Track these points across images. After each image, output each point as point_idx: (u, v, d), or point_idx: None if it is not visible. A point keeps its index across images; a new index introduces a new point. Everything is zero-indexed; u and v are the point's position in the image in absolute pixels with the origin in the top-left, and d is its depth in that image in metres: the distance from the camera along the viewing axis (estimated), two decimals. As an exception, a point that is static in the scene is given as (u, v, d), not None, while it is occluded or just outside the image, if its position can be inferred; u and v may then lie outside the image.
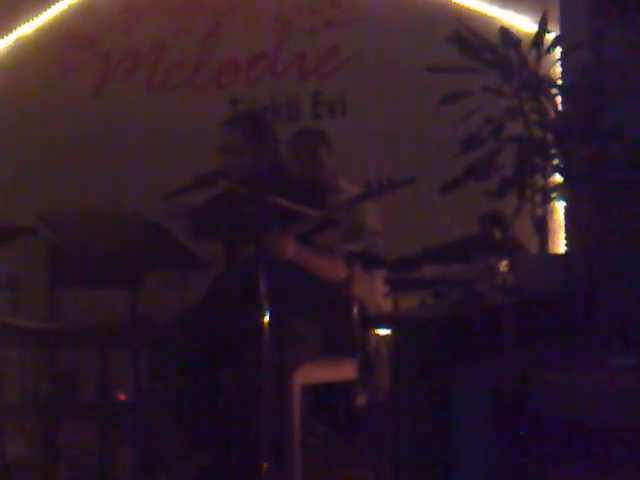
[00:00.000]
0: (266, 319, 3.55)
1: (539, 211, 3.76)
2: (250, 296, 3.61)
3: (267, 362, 3.53)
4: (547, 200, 3.81)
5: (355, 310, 4.20)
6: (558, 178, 3.85)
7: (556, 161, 3.76)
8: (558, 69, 4.39)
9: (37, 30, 6.00)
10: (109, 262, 4.16)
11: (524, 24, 5.06)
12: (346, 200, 4.27)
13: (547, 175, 3.78)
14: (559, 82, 4.05)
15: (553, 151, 3.76)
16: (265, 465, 3.54)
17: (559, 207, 4.73)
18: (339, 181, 5.00)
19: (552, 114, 3.78)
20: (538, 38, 3.85)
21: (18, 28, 5.99)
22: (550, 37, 3.99)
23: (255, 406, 3.59)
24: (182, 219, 4.30)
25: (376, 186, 3.81)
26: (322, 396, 4.33)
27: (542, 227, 3.77)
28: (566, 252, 4.67)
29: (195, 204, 4.32)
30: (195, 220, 4.28)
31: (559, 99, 3.86)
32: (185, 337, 3.97)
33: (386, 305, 4.46)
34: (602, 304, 3.43)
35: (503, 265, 3.74)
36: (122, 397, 5.01)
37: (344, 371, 4.11)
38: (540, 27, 3.90)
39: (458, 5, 5.29)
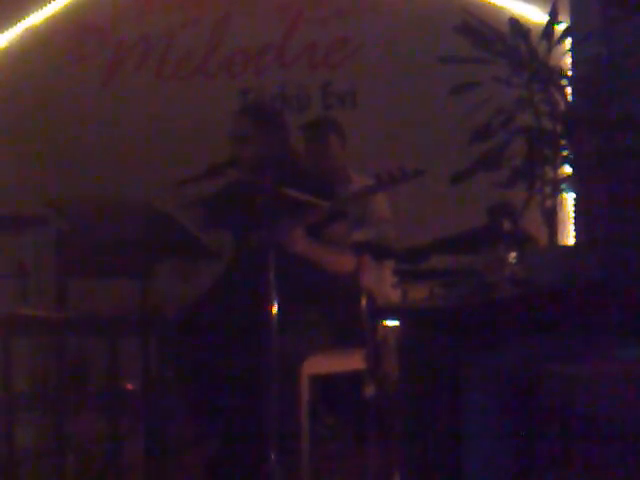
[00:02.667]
0: (274, 309, 3.56)
1: (548, 202, 3.75)
2: (259, 286, 3.61)
3: (275, 352, 3.53)
4: (557, 191, 3.80)
5: (363, 301, 4.21)
6: (568, 169, 3.84)
7: (566, 152, 3.74)
8: (568, 60, 4.38)
9: (47, 19, 5.99)
10: (118, 251, 4.16)
11: (534, 14, 5.04)
12: (356, 191, 4.27)
13: (557, 166, 3.76)
14: (569, 73, 4.04)
15: (563, 142, 3.74)
16: (272, 455, 3.55)
17: (568, 198, 4.72)
18: (349, 171, 4.99)
19: (562, 105, 3.77)
20: (548, 29, 3.83)
21: (28, 17, 5.98)
22: (560, 28, 3.97)
23: (263, 396, 3.60)
24: (192, 209, 4.31)
25: (386, 177, 3.81)
26: (330, 386, 4.33)
27: (551, 218, 3.76)
28: (575, 244, 4.66)
29: (205, 194, 4.32)
30: (205, 210, 4.28)
31: (569, 90, 3.85)
32: (193, 327, 3.98)
33: (395, 296, 4.46)
34: (611, 296, 3.42)
35: (512, 256, 3.73)
36: (130, 387, 5.02)
37: (352, 361, 4.11)
38: (550, 17, 3.89)
39: (468, -5, 5.27)
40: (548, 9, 3.95)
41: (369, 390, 4.29)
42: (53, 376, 4.98)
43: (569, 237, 4.83)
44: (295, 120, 4.86)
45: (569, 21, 4.47)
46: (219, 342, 3.94)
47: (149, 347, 3.98)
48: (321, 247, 3.99)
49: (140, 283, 3.91)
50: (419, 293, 3.97)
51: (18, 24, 5.99)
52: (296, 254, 3.87)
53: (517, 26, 3.80)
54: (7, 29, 5.99)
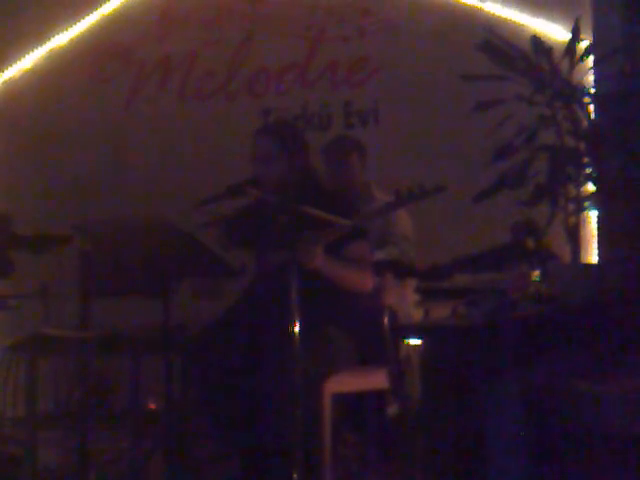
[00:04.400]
0: (297, 327, 3.55)
1: (572, 220, 3.74)
2: (281, 305, 3.61)
3: (298, 370, 3.53)
4: (580, 209, 3.79)
5: (386, 319, 4.20)
6: (591, 187, 3.83)
7: (589, 170, 3.74)
8: (591, 77, 4.37)
9: (71, 41, 6.04)
10: (141, 270, 4.17)
11: (556, 32, 5.03)
12: (377, 208, 4.27)
13: (580, 184, 3.76)
14: (592, 90, 4.03)
15: (586, 160, 3.74)
16: (295, 473, 3.54)
17: (592, 216, 4.71)
18: (372, 190, 4.99)
19: (585, 123, 3.76)
20: (570, 46, 3.83)
21: (52, 39, 6.03)
22: (582, 45, 3.97)
23: (286, 414, 3.59)
24: (214, 228, 4.32)
25: (407, 194, 3.81)
26: (353, 405, 4.32)
27: (575, 236, 3.75)
28: (599, 261, 4.64)
29: (226, 213, 4.33)
30: (226, 229, 4.29)
31: (592, 107, 3.84)
32: (217, 345, 3.98)
33: (417, 314, 4.45)
34: (635, 313, 3.40)
35: (536, 274, 3.72)
36: (152, 406, 5.03)
37: (375, 380, 4.10)
38: (573, 35, 3.89)
39: (489, 13, 5.27)
40: (570, 27, 3.96)
41: (392, 409, 4.28)
42: (76, 395, 4.99)
43: (593, 254, 4.81)
44: (317, 139, 4.88)
45: (591, 39, 4.47)
46: (241, 360, 3.94)
47: (172, 366, 3.97)
48: (340, 265, 3.98)
49: (163, 302, 3.91)
50: (442, 311, 3.96)
51: (43, 45, 6.03)
52: (315, 271, 3.86)
53: (539, 44, 3.80)
54: (32, 50, 6.04)
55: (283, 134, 4.20)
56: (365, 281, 4.09)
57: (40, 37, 6.04)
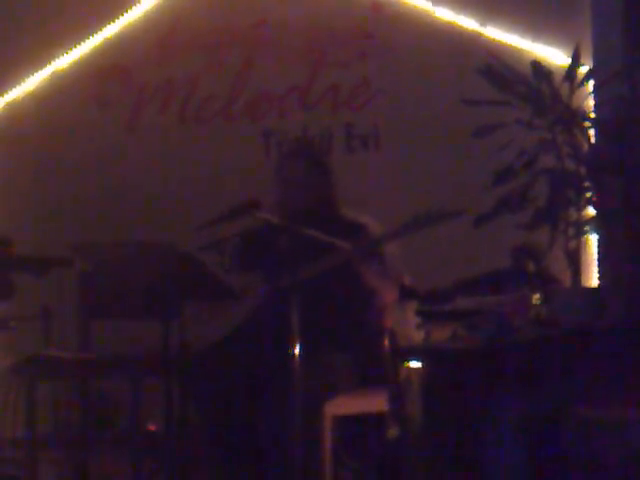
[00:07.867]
0: (297, 350, 3.56)
1: (572, 244, 3.75)
2: (282, 327, 3.62)
3: (298, 393, 3.53)
4: (580, 233, 3.80)
5: (386, 342, 4.20)
6: (591, 211, 3.85)
7: (589, 194, 3.75)
8: (591, 102, 4.39)
9: (72, 63, 6.05)
10: (142, 293, 4.18)
11: (556, 57, 5.06)
12: (390, 232, 4.23)
13: (580, 208, 3.77)
14: (592, 115, 4.05)
15: (586, 184, 3.75)
16: (295, 497, 3.54)
17: (592, 240, 4.72)
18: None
19: (585, 147, 3.78)
20: (571, 71, 3.86)
21: (54, 61, 6.05)
22: (583, 70, 3.99)
23: (286, 437, 3.59)
24: (216, 250, 4.32)
25: (424, 216, 3.81)
26: (353, 428, 4.31)
27: (575, 260, 3.76)
28: (599, 285, 4.65)
29: (228, 235, 4.34)
30: (232, 251, 4.30)
31: (592, 132, 3.86)
32: (217, 368, 3.99)
33: (418, 337, 4.45)
34: (635, 337, 3.41)
35: (536, 298, 3.73)
36: (152, 428, 5.02)
37: (375, 403, 4.10)
38: (573, 60, 3.91)
39: (490, 38, 5.30)
40: (570, 52, 3.98)
41: (392, 432, 4.28)
42: (76, 417, 4.98)
43: (593, 278, 4.82)
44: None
45: (591, 63, 4.50)
46: (242, 383, 3.94)
47: (172, 388, 3.97)
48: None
49: (163, 324, 3.91)
50: (442, 334, 3.96)
51: (45, 68, 6.05)
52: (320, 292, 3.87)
53: (539, 69, 3.82)
54: (34, 73, 6.06)
55: (313, 158, 4.22)
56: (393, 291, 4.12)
57: (42, 60, 6.05)
